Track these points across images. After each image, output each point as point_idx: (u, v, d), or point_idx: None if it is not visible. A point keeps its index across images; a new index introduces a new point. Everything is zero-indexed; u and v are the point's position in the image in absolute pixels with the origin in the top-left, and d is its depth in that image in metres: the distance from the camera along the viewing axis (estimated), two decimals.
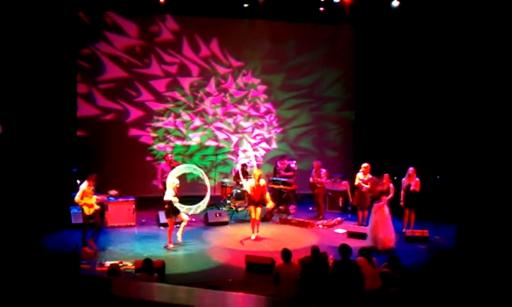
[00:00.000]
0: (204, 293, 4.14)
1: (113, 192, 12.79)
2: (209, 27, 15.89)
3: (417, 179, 12.27)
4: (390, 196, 11.73)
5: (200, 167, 15.92)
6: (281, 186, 14.63)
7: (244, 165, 14.99)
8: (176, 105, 15.93)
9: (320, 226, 13.18)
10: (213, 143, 16.32)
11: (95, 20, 14.94)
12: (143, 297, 3.65)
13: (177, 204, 11.24)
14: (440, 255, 11.23)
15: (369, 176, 12.79)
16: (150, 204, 13.74)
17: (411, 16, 14.46)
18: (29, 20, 12.06)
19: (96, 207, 10.84)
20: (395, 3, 13.96)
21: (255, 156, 16.40)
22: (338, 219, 13.73)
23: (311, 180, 13.77)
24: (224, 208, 14.27)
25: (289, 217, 13.85)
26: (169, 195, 11.19)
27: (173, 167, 13.31)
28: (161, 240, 11.80)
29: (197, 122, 16.15)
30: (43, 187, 12.16)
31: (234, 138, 16.50)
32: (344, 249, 7.99)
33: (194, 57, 15.94)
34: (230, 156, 16.44)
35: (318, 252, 8.18)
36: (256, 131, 16.68)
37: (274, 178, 15.03)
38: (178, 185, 11.39)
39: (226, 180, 15.47)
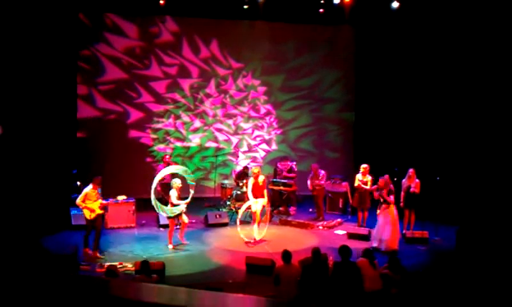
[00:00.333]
0: (204, 294, 4.14)
1: (122, 197, 12.66)
2: (209, 28, 15.89)
3: (417, 180, 12.27)
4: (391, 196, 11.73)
5: (200, 168, 16.03)
6: (282, 187, 14.63)
7: (245, 168, 15.01)
8: (176, 107, 15.93)
9: (321, 228, 13.18)
10: (213, 144, 16.32)
11: (95, 21, 14.93)
12: (142, 298, 3.64)
13: (176, 207, 11.28)
14: (440, 256, 11.23)
15: (369, 176, 12.81)
16: (150, 205, 13.71)
17: (411, 18, 14.46)
18: (29, 22, 12.07)
19: (99, 212, 10.68)
20: (395, 4, 13.97)
21: (255, 157, 16.46)
22: (338, 220, 13.73)
23: (309, 183, 13.73)
24: (224, 210, 14.26)
25: (289, 219, 13.85)
26: (174, 197, 11.22)
27: None
28: (161, 242, 11.81)
29: (197, 123, 16.15)
30: (43, 188, 12.16)
31: (234, 139, 16.50)
32: (344, 251, 7.98)
33: (194, 59, 15.94)
34: (230, 157, 16.44)
35: (319, 253, 8.17)
36: (256, 132, 16.68)
37: (275, 180, 15.04)
38: (180, 186, 11.44)
39: (226, 182, 15.47)
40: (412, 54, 14.76)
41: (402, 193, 12.30)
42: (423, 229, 12.18)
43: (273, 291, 7.87)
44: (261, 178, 11.97)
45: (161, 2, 14.30)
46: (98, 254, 10.64)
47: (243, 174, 14.58)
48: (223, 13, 15.41)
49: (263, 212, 12.16)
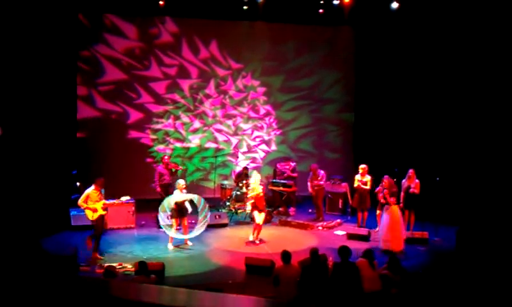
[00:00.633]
0: (204, 295, 4.14)
1: (125, 198, 12.60)
2: (209, 29, 15.88)
3: (417, 181, 12.29)
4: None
5: (199, 169, 16.03)
6: (281, 188, 14.63)
7: (245, 168, 15.01)
8: (176, 107, 15.92)
9: (320, 228, 13.18)
10: (212, 145, 16.31)
11: (95, 22, 14.92)
12: (141, 299, 3.64)
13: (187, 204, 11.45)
14: (440, 257, 11.23)
15: (368, 176, 12.82)
16: (150, 206, 13.74)
17: (410, 18, 14.46)
18: (28, 23, 12.06)
19: (102, 212, 10.63)
20: (395, 5, 13.96)
21: (255, 158, 16.46)
22: (338, 220, 13.73)
23: (309, 185, 13.72)
24: (223, 210, 14.26)
25: (289, 219, 13.85)
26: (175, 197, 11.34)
27: (170, 169, 13.34)
28: (161, 242, 11.82)
29: (196, 124, 16.14)
30: (43, 189, 12.15)
31: (234, 140, 16.50)
32: (344, 251, 7.98)
33: (193, 59, 15.93)
34: (229, 158, 16.43)
35: (317, 254, 8.18)
36: (256, 133, 16.67)
37: (274, 180, 15.04)
38: (184, 186, 11.54)
39: (225, 182, 15.46)
40: (412, 54, 14.77)
41: (402, 193, 12.31)
42: (423, 229, 12.18)
43: (273, 292, 7.87)
44: (260, 188, 12.06)
45: (161, 2, 14.29)
46: (97, 255, 10.63)
47: (243, 175, 14.57)
48: (222, 13, 15.41)
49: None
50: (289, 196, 14.64)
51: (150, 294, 3.87)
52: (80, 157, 14.42)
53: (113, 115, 15.33)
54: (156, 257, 10.61)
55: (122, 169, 15.00)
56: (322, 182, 13.73)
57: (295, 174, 15.00)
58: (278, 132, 16.81)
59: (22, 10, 11.92)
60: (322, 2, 14.94)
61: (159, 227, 12.79)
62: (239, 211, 14.26)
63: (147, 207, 13.71)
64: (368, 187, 12.81)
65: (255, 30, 16.16)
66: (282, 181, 14.81)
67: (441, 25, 14.00)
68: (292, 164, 15.29)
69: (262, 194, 12.02)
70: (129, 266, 9.97)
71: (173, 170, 13.61)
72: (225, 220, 13.41)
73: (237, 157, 16.39)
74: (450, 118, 14.17)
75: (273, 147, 16.80)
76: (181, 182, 11.62)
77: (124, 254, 10.88)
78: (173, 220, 11.50)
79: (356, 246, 10.22)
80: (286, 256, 8.08)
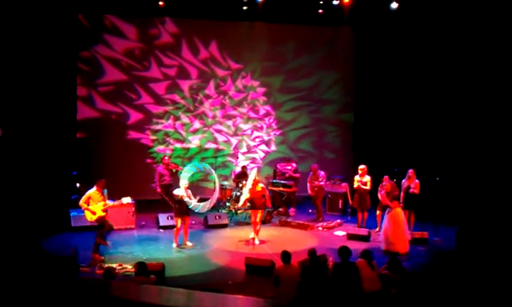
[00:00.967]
0: (204, 295, 4.15)
1: (127, 200, 12.57)
2: (208, 29, 15.89)
3: (417, 181, 12.30)
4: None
5: (199, 169, 16.01)
6: (281, 188, 14.64)
7: (243, 167, 15.00)
8: (176, 108, 15.93)
9: (320, 228, 13.18)
10: (212, 145, 16.32)
11: (95, 22, 14.92)
12: (141, 300, 3.65)
13: (187, 200, 11.46)
14: (440, 257, 11.23)
15: (367, 177, 12.83)
16: (150, 206, 13.75)
17: (410, 18, 14.46)
18: (28, 23, 12.07)
19: (101, 214, 10.55)
20: (394, 5, 13.96)
21: (254, 158, 16.46)
22: (338, 221, 13.72)
23: (308, 186, 13.71)
24: (223, 211, 14.26)
25: (289, 220, 13.85)
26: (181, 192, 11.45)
27: (170, 170, 13.35)
28: (161, 243, 11.83)
29: (196, 124, 16.15)
30: (43, 190, 12.15)
31: (234, 140, 16.50)
32: (343, 251, 7.99)
33: (193, 60, 15.94)
34: (229, 158, 16.44)
35: (315, 254, 8.19)
36: (256, 133, 16.68)
37: (274, 181, 15.04)
38: (187, 185, 11.61)
39: (225, 183, 15.46)
40: (411, 54, 14.77)
41: (402, 194, 12.31)
42: (423, 229, 12.18)
43: (273, 292, 7.88)
44: (260, 185, 12.09)
45: (160, 3, 14.30)
46: (98, 256, 10.62)
47: (242, 175, 14.58)
48: (222, 14, 15.41)
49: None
50: (289, 197, 14.64)
51: (150, 295, 3.87)
52: (80, 158, 14.43)
53: (113, 116, 15.34)
54: (156, 257, 10.60)
55: (122, 169, 14.99)
56: (322, 183, 13.74)
57: (297, 175, 15.01)
58: (277, 133, 16.81)
59: (22, 11, 11.92)
60: (321, 2, 14.94)
61: (159, 227, 12.83)
62: (239, 211, 14.26)
63: (147, 208, 13.71)
64: (368, 187, 12.82)
65: (254, 30, 16.17)
66: (282, 181, 14.80)
67: (441, 25, 14.01)
68: (294, 165, 15.30)
69: (259, 189, 12.01)
70: (129, 267, 9.97)
71: (174, 170, 13.61)
72: (225, 221, 13.41)
73: (237, 158, 16.40)
74: (449, 118, 14.18)
75: (273, 147, 16.81)
76: (184, 182, 11.72)
77: (124, 255, 10.88)
78: (178, 220, 11.49)
79: (356, 246, 10.22)
80: (286, 256, 8.08)
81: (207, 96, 16.15)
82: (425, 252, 11.48)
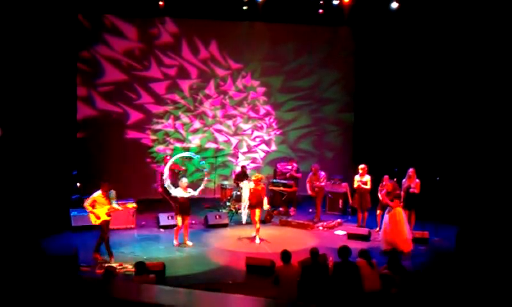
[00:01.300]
0: (204, 295, 4.15)
1: (131, 204, 12.50)
2: (208, 29, 15.89)
3: (417, 180, 12.29)
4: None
5: (199, 169, 16.02)
6: (282, 188, 14.64)
7: (243, 167, 15.00)
8: (176, 108, 15.94)
9: (321, 228, 13.19)
10: (213, 145, 16.32)
11: (95, 23, 14.93)
12: (142, 300, 3.65)
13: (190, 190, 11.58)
14: (440, 256, 11.24)
15: (367, 176, 12.83)
16: (150, 206, 13.76)
17: (410, 18, 14.46)
18: (28, 24, 12.07)
19: (106, 218, 10.48)
20: (394, 5, 13.97)
21: (255, 158, 16.47)
22: (338, 220, 13.72)
23: (308, 186, 13.70)
24: (224, 210, 14.27)
25: (289, 219, 13.85)
26: (180, 192, 11.48)
27: (172, 170, 13.35)
28: (161, 242, 11.84)
29: (196, 124, 16.15)
30: (43, 190, 12.15)
31: (234, 140, 16.50)
32: (344, 251, 8.00)
33: (193, 60, 15.94)
34: (229, 158, 16.44)
35: (317, 254, 8.19)
36: (256, 133, 16.68)
37: (275, 180, 15.04)
38: (186, 185, 11.63)
39: (226, 182, 15.46)
40: (411, 54, 14.77)
41: (402, 193, 12.30)
42: (423, 229, 12.18)
43: (273, 292, 7.88)
44: (260, 185, 12.12)
45: (160, 3, 14.30)
46: (98, 256, 10.62)
47: (242, 175, 14.58)
48: (222, 14, 15.41)
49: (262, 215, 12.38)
50: (290, 196, 14.64)
51: (150, 294, 3.87)
52: (80, 158, 14.43)
53: (113, 115, 15.34)
54: (156, 257, 10.61)
55: (122, 169, 14.99)
56: (323, 183, 13.68)
57: (299, 175, 15.00)
58: (278, 132, 16.81)
59: (22, 11, 11.93)
60: (321, 2, 14.93)
61: (160, 227, 12.83)
62: (239, 211, 14.26)
63: (147, 207, 13.72)
64: (368, 186, 12.82)
65: (254, 30, 16.18)
66: (282, 181, 14.80)
67: (441, 25, 14.01)
68: (295, 165, 15.30)
69: (259, 188, 12.05)
70: (129, 266, 9.98)
71: (176, 170, 13.62)
72: (225, 221, 13.42)
73: (237, 157, 16.40)
74: (450, 118, 14.18)
75: (273, 147, 16.81)
76: (184, 181, 11.70)
77: (124, 255, 10.88)
78: (179, 218, 11.50)
79: (356, 246, 10.21)
80: (286, 255, 8.08)
81: (207, 96, 16.15)
82: (425, 251, 11.49)
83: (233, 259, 10.94)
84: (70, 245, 10.91)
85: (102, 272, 8.71)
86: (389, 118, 15.49)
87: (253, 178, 12.36)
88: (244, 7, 15.10)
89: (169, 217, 12.70)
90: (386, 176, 12.24)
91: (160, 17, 15.37)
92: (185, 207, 11.50)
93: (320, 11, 15.28)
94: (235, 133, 16.51)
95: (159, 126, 15.80)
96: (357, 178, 12.92)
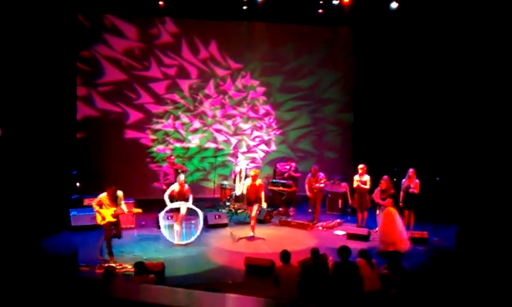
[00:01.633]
0: (203, 295, 4.15)
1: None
2: (208, 29, 15.90)
3: (417, 180, 12.29)
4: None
5: (199, 169, 16.04)
6: (281, 188, 14.64)
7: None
8: (176, 108, 15.94)
9: (320, 228, 13.19)
10: (212, 145, 16.33)
11: (95, 22, 14.93)
12: (142, 300, 3.65)
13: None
14: (440, 256, 11.24)
15: (367, 176, 12.82)
16: (150, 206, 13.73)
17: (410, 18, 14.46)
18: (28, 24, 12.07)
19: (111, 219, 10.44)
20: (394, 5, 13.97)
21: (254, 158, 16.48)
22: (338, 220, 13.73)
23: (306, 187, 13.64)
24: (223, 210, 14.27)
25: (289, 219, 13.85)
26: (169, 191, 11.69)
27: (175, 169, 13.35)
28: (161, 242, 11.83)
29: (196, 124, 16.16)
30: (42, 190, 12.15)
31: (233, 140, 16.51)
32: (343, 251, 8.00)
33: (193, 60, 15.95)
34: (229, 158, 16.45)
35: (318, 254, 8.19)
36: (256, 133, 16.69)
37: (274, 180, 15.05)
38: (182, 181, 11.70)
39: (225, 182, 15.47)
40: (411, 54, 14.77)
41: (402, 193, 12.31)
42: (422, 229, 12.19)
43: (273, 292, 7.88)
44: (258, 181, 12.14)
45: (160, 3, 14.30)
46: (99, 256, 10.62)
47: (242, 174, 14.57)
48: (222, 14, 15.42)
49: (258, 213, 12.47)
50: (289, 196, 14.65)
51: (149, 294, 3.87)
52: (80, 158, 14.44)
53: (113, 115, 15.35)
54: (156, 257, 10.61)
55: (122, 169, 15.00)
56: (322, 185, 13.59)
57: (298, 174, 15.02)
58: (277, 132, 16.82)
59: (22, 11, 11.92)
60: (321, 2, 14.94)
61: (159, 227, 12.82)
62: (239, 211, 14.27)
63: (147, 207, 13.69)
64: (367, 186, 12.82)
65: (254, 30, 16.18)
66: (282, 181, 14.81)
67: (440, 25, 14.01)
68: (293, 165, 15.31)
69: (256, 184, 12.10)
70: (129, 266, 9.97)
71: (179, 171, 13.62)
72: (225, 221, 13.42)
73: (237, 157, 16.40)
74: (449, 118, 14.18)
75: (273, 147, 16.82)
76: (181, 177, 11.76)
77: (124, 255, 10.88)
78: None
79: (356, 246, 10.22)
80: (285, 255, 8.08)
81: (207, 96, 16.16)
82: (424, 251, 11.49)
83: (232, 259, 10.94)
84: (69, 245, 10.90)
85: (102, 272, 8.72)
86: (389, 118, 15.49)
87: (251, 173, 12.37)
88: (244, 7, 15.11)
89: (169, 217, 12.69)
90: (385, 176, 12.22)
91: (160, 17, 15.39)
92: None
93: (320, 11, 15.30)
94: (235, 133, 16.51)
95: (158, 126, 15.80)
96: (356, 177, 12.93)
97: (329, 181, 14.53)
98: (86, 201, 13.27)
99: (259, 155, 16.73)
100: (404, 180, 12.44)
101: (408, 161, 13.10)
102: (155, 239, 12.14)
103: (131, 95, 15.49)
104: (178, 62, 15.84)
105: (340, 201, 14.59)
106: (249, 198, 12.17)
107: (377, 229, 12.40)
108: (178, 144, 16.01)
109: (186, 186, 11.71)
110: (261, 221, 13.35)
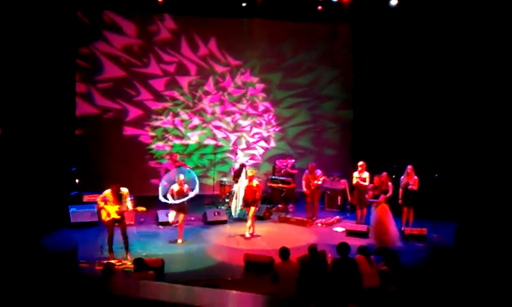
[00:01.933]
0: (203, 291, 4.16)
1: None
2: (207, 26, 15.87)
3: (416, 177, 12.30)
4: (388, 194, 11.75)
5: (198, 166, 16.04)
6: (280, 185, 14.65)
7: (242, 165, 15.00)
8: (175, 104, 15.93)
9: (319, 225, 13.20)
10: (212, 142, 16.32)
11: (94, 19, 14.91)
12: (141, 296, 3.66)
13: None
14: (439, 253, 11.27)
15: (366, 173, 12.83)
16: (149, 203, 13.72)
17: (409, 15, 14.45)
18: (27, 20, 12.05)
19: (115, 216, 10.42)
20: (394, 2, 13.95)
21: (253, 155, 16.48)
22: (337, 217, 13.75)
23: (304, 184, 13.55)
24: (222, 207, 14.27)
25: (288, 216, 13.86)
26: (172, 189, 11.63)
27: (177, 166, 13.34)
28: (160, 239, 11.84)
29: (195, 121, 16.15)
30: (42, 186, 12.15)
31: (233, 137, 16.51)
32: (342, 247, 8.01)
33: (192, 56, 15.93)
34: (228, 155, 16.45)
35: (315, 250, 8.20)
36: (255, 130, 16.68)
37: (273, 177, 15.06)
38: (181, 180, 11.68)
39: (224, 179, 15.47)
40: (410, 51, 14.76)
41: (401, 190, 12.32)
42: (421, 226, 12.20)
43: (272, 289, 7.89)
44: (255, 182, 12.14)
45: (160, 0, 14.28)
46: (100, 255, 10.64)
47: (241, 172, 14.57)
48: (221, 10, 15.39)
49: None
50: (288, 193, 14.65)
51: (149, 291, 3.88)
52: (79, 154, 14.43)
53: (112, 112, 15.34)
54: (155, 254, 10.62)
55: (121, 166, 14.98)
56: (320, 182, 13.56)
57: (294, 171, 15.03)
58: (277, 129, 16.82)
59: (21, 8, 11.90)
60: None
61: (158, 224, 12.84)
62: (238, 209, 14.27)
63: (146, 204, 13.67)
64: (367, 183, 12.82)
65: (253, 27, 16.15)
66: (281, 178, 14.82)
67: (440, 22, 14.00)
68: (291, 161, 15.31)
69: (253, 185, 12.11)
70: (128, 263, 9.99)
71: (181, 168, 13.61)
72: (224, 217, 13.43)
73: (236, 154, 16.40)
74: (448, 115, 14.18)
75: (272, 144, 16.82)
76: (181, 176, 11.73)
77: (123, 251, 10.88)
78: (180, 215, 11.54)
79: (355, 243, 10.23)
80: (284, 252, 8.09)
81: (206, 93, 16.15)
82: (423, 248, 11.51)
83: (232, 256, 10.96)
84: (68, 242, 10.90)
85: (101, 269, 8.72)
86: (388, 115, 15.49)
87: (248, 173, 12.39)
88: (243, 4, 15.09)
89: (168, 214, 12.70)
90: (384, 173, 12.22)
91: (160, 14, 15.36)
92: (181, 205, 11.50)
93: (319, 7, 15.28)
94: (234, 130, 16.51)
95: (158, 123, 15.79)
96: (356, 174, 12.94)
97: (329, 178, 14.53)
98: (85, 198, 13.30)
99: (258, 151, 16.73)
100: (402, 177, 12.44)
101: (407, 158, 13.12)
102: (154, 236, 12.15)
103: (130, 92, 15.47)
104: (177, 59, 15.83)
105: (339, 198, 14.60)
106: (247, 199, 12.17)
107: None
108: (177, 141, 16.01)
109: (186, 186, 11.68)
110: (260, 218, 13.36)
